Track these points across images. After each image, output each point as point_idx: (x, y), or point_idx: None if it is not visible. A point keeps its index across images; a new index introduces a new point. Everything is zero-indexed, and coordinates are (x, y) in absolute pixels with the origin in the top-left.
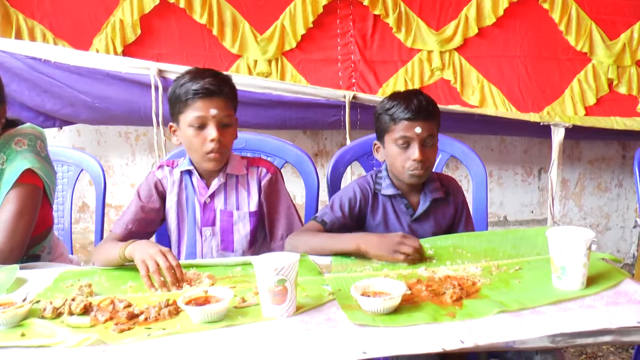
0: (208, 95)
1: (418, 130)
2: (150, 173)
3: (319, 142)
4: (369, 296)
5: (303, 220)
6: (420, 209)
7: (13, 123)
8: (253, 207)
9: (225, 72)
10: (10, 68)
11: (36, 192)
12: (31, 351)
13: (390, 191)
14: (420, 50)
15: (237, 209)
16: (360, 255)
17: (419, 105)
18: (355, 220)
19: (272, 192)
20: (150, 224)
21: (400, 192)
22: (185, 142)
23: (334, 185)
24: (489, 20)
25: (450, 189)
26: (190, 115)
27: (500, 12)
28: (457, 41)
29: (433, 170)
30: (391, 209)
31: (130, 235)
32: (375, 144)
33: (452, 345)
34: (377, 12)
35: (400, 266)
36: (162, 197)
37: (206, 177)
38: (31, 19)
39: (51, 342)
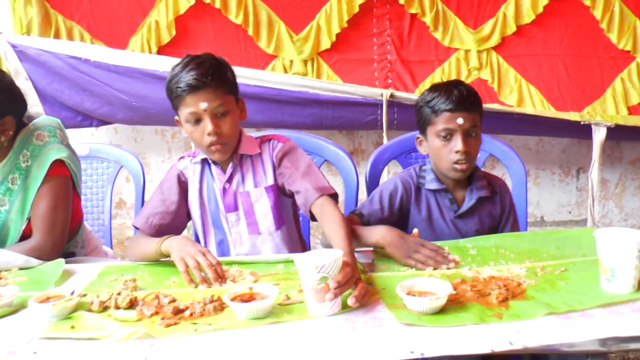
0: (194, 90)
1: (460, 121)
2: (172, 166)
3: (354, 141)
4: (414, 295)
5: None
6: (466, 206)
7: (26, 118)
8: (269, 181)
9: (218, 57)
10: (52, 67)
11: (67, 183)
12: (81, 343)
13: (434, 185)
14: (457, 49)
15: (255, 187)
16: (379, 248)
17: (460, 95)
18: (395, 214)
19: (288, 156)
20: (172, 217)
21: (445, 186)
22: (189, 136)
23: (372, 184)
24: (528, 18)
25: (498, 189)
26: (184, 111)
27: (540, 10)
28: (495, 40)
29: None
30: (435, 203)
31: (152, 228)
32: (417, 138)
33: (500, 346)
34: (413, 11)
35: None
36: (185, 188)
37: (221, 163)
38: (70, 19)
39: (100, 335)
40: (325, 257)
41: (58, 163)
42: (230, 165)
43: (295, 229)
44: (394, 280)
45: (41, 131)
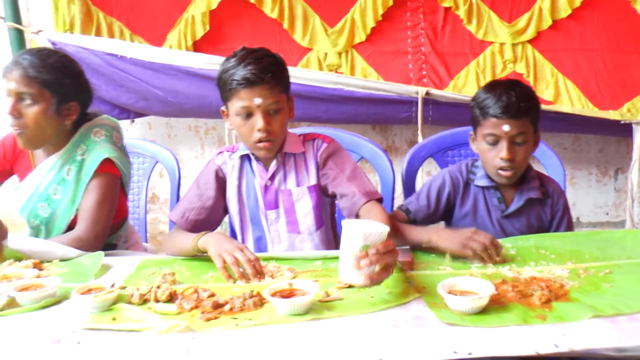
0: (250, 85)
1: (506, 128)
2: (210, 161)
3: (388, 138)
4: (455, 295)
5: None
6: (514, 206)
7: (91, 115)
8: (312, 181)
9: (275, 54)
10: (89, 64)
11: (115, 181)
12: (122, 334)
13: (483, 182)
14: (491, 42)
15: (298, 186)
16: (431, 249)
17: (509, 101)
18: (442, 210)
19: (333, 158)
20: (209, 212)
21: (494, 184)
22: (236, 130)
23: (409, 182)
24: (564, 12)
25: (550, 191)
26: (236, 104)
27: (577, 4)
28: (530, 33)
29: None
30: (482, 200)
31: (188, 223)
32: (470, 135)
33: (545, 348)
34: (447, 5)
35: (484, 266)
36: (222, 184)
37: (264, 160)
38: (110, 16)
39: (141, 327)
40: (374, 228)
41: (108, 161)
42: (274, 162)
43: (331, 230)
44: (434, 279)
45: (100, 129)
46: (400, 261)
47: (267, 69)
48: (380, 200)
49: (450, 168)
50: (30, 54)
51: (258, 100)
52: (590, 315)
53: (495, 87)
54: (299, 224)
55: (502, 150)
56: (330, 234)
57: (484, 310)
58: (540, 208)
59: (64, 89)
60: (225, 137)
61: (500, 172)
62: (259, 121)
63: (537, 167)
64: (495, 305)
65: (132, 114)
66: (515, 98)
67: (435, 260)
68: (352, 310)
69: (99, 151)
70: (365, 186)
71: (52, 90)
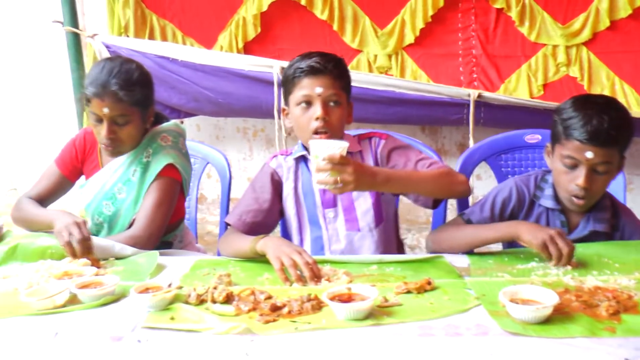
0: (313, 73)
1: (589, 155)
2: (265, 164)
3: (437, 141)
4: (517, 303)
5: None
6: (576, 234)
7: (157, 117)
8: None
9: (339, 56)
10: None
11: (175, 185)
12: (181, 334)
13: (549, 203)
14: (544, 44)
15: None
16: (509, 243)
17: (599, 127)
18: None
19: (397, 150)
20: (265, 215)
21: (560, 207)
22: (295, 123)
23: None
24: (624, 12)
25: (621, 226)
26: (298, 93)
27: (638, 3)
28: (586, 35)
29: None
30: (544, 221)
31: (245, 226)
32: (546, 147)
33: None
34: (499, 6)
35: (546, 273)
36: (278, 187)
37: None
38: (163, 18)
39: (200, 328)
40: (329, 143)
41: (171, 166)
42: None
43: (393, 228)
44: (493, 287)
45: (167, 134)
46: (456, 267)
47: (331, 61)
48: None
49: (517, 180)
50: (114, 75)
51: (319, 90)
52: None
53: (586, 105)
54: (359, 221)
55: (580, 177)
56: (391, 232)
57: (547, 320)
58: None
59: (147, 100)
60: (275, 139)
61: (573, 199)
62: (317, 110)
63: None
64: (559, 315)
65: (182, 113)
66: (607, 124)
67: (493, 267)
68: (411, 316)
69: (164, 156)
70: (438, 161)
71: (140, 105)
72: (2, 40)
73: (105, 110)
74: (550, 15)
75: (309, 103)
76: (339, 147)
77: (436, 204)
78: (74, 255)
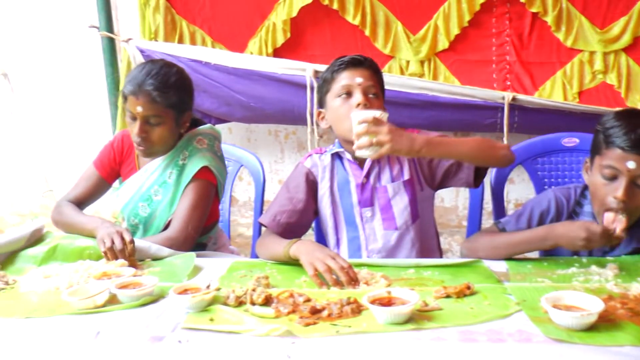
0: (353, 64)
1: (631, 165)
2: (299, 164)
3: None
4: (560, 310)
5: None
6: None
7: (195, 122)
8: (406, 175)
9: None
10: None
11: (210, 188)
12: (221, 335)
13: (589, 220)
14: (581, 50)
15: (392, 182)
16: (546, 244)
17: None
18: None
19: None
20: (299, 215)
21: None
22: (334, 115)
23: (498, 189)
24: None
25: None
26: (337, 86)
27: None
28: (625, 40)
29: None
30: None
31: (280, 227)
32: (585, 162)
33: None
34: (535, 10)
35: (588, 279)
36: (313, 187)
37: (358, 157)
38: (193, 24)
39: (240, 329)
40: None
41: (207, 169)
42: (369, 158)
43: (431, 225)
44: (534, 292)
45: (203, 137)
46: (495, 272)
47: (369, 59)
48: None
49: (556, 191)
50: (152, 76)
51: (359, 79)
52: None
53: (631, 114)
54: (396, 220)
55: (619, 188)
56: (430, 229)
57: (592, 328)
58: None
59: (183, 104)
60: (307, 142)
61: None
62: (358, 97)
63: None
64: (604, 323)
65: (213, 119)
66: None
67: (532, 272)
68: (452, 320)
69: (200, 158)
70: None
71: (175, 108)
72: (41, 45)
73: (139, 109)
74: (588, 20)
75: (349, 94)
76: (378, 115)
77: (477, 181)
78: (116, 258)
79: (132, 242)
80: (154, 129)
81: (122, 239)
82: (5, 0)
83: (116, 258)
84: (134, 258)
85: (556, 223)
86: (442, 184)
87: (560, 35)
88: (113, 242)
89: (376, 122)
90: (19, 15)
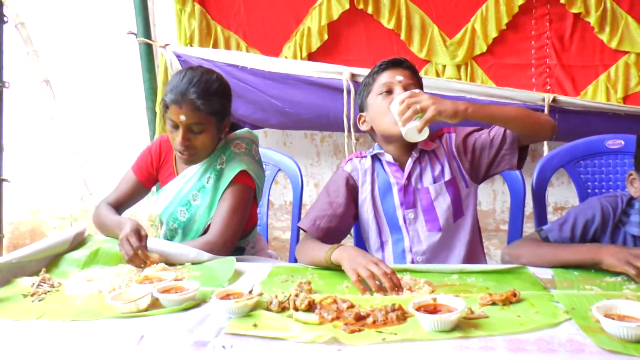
0: (393, 64)
1: None
2: (339, 168)
3: None
4: (612, 319)
5: None
6: None
7: (232, 126)
8: (447, 175)
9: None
10: None
11: (249, 192)
12: (266, 341)
13: (635, 231)
14: (626, 52)
15: (434, 183)
16: (590, 266)
17: None
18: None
19: (469, 134)
20: (339, 219)
21: None
22: (375, 117)
23: (539, 192)
24: None
25: None
26: (377, 85)
27: None
28: None
29: None
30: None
31: (319, 231)
32: (629, 174)
33: None
34: (576, 11)
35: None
36: (353, 191)
37: (399, 159)
38: (227, 29)
39: (285, 335)
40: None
41: (245, 173)
42: (410, 160)
43: (475, 220)
44: (583, 300)
45: (240, 142)
46: (540, 278)
47: (408, 60)
48: None
49: (602, 200)
50: (194, 84)
51: (400, 77)
52: None
53: None
54: (440, 221)
55: None
56: (474, 225)
57: None
58: None
59: (224, 111)
60: (344, 145)
61: None
62: (398, 92)
63: None
64: None
65: (248, 125)
66: None
67: (579, 279)
68: (499, 329)
69: (238, 162)
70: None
71: (217, 115)
72: (81, 52)
73: (182, 117)
74: (634, 20)
75: (389, 91)
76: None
77: (520, 163)
78: (132, 263)
79: (146, 236)
80: (196, 137)
81: (138, 236)
82: (45, 9)
83: (140, 263)
84: (146, 252)
85: (603, 249)
86: (487, 175)
87: (604, 37)
88: (130, 244)
89: (414, 95)
90: (59, 23)
